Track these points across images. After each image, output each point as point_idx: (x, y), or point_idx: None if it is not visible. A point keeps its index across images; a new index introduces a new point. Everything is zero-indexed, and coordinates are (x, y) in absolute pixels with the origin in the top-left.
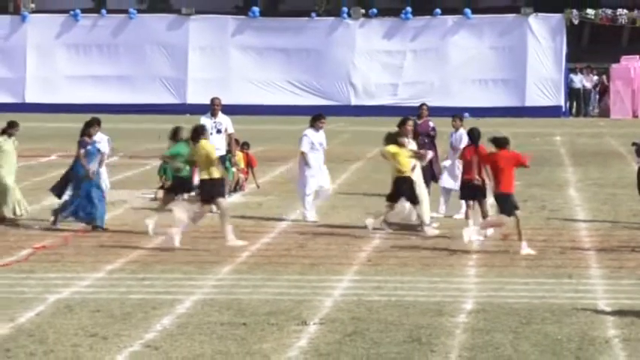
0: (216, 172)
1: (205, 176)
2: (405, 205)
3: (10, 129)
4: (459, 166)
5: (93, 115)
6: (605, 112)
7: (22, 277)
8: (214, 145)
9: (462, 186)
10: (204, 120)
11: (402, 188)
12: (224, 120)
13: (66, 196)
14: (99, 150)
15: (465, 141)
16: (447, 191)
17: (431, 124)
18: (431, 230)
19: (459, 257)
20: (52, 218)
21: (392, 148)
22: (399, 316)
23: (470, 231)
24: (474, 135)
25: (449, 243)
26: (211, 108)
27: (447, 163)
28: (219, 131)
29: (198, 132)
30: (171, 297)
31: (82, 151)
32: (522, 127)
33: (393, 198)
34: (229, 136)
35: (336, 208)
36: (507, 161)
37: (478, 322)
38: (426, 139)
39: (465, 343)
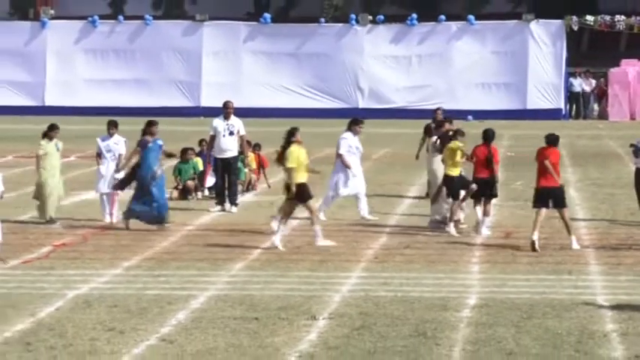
0: (304, 177)
1: (301, 180)
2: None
3: (50, 132)
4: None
5: (110, 117)
6: (603, 115)
7: (42, 274)
8: (229, 147)
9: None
10: (218, 122)
11: (459, 185)
12: (236, 122)
13: (119, 194)
14: (160, 146)
15: None
16: None
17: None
18: (453, 230)
19: (463, 254)
20: (123, 223)
21: (456, 145)
22: (404, 311)
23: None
24: (488, 135)
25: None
26: (224, 111)
27: None
28: (231, 133)
29: (290, 135)
30: (186, 293)
31: (139, 148)
32: (524, 130)
33: (457, 196)
34: (241, 137)
35: (344, 207)
36: (557, 158)
37: (481, 317)
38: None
39: (469, 337)
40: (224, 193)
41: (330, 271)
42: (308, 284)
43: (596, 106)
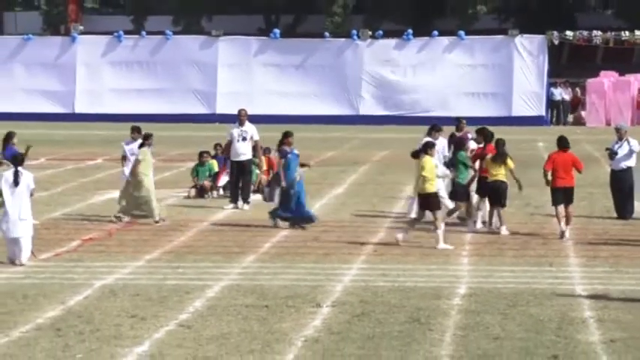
0: (433, 187)
1: (421, 192)
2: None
3: (147, 140)
4: None
5: (133, 123)
6: (577, 121)
7: (71, 266)
8: (243, 151)
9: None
10: (233, 129)
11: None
12: (250, 129)
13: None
14: (297, 156)
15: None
16: None
17: (470, 135)
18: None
19: (454, 248)
20: (271, 222)
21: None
22: (401, 300)
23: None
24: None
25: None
26: (238, 118)
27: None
28: (244, 139)
29: (426, 147)
30: (202, 283)
31: (283, 160)
32: (509, 135)
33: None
34: (255, 142)
35: (346, 204)
36: (571, 161)
37: (470, 305)
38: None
39: (459, 323)
40: (237, 192)
41: (333, 263)
42: (313, 275)
43: (570, 115)
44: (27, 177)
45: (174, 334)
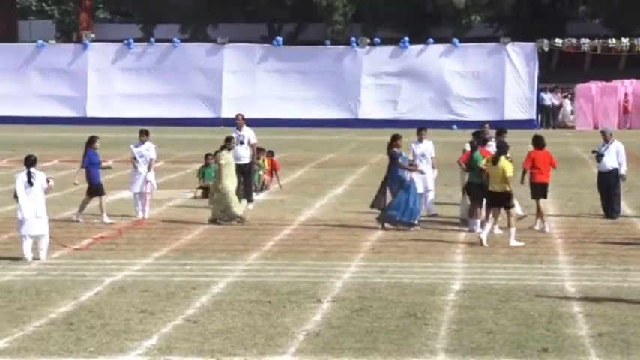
0: (508, 187)
1: (499, 189)
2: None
3: (228, 144)
4: None
5: (142, 127)
6: (562, 124)
7: (83, 263)
8: (242, 154)
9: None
10: (232, 134)
11: None
12: (247, 132)
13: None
14: (406, 159)
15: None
16: None
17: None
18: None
19: (449, 246)
20: (378, 223)
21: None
22: (398, 295)
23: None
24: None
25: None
26: (236, 123)
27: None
28: (242, 143)
29: (502, 149)
30: (208, 279)
31: (400, 160)
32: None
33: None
34: (251, 146)
35: (345, 204)
36: (548, 158)
37: (464, 300)
38: None
39: (453, 318)
40: (239, 194)
41: (333, 261)
42: (314, 272)
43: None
44: (40, 177)
45: (182, 328)
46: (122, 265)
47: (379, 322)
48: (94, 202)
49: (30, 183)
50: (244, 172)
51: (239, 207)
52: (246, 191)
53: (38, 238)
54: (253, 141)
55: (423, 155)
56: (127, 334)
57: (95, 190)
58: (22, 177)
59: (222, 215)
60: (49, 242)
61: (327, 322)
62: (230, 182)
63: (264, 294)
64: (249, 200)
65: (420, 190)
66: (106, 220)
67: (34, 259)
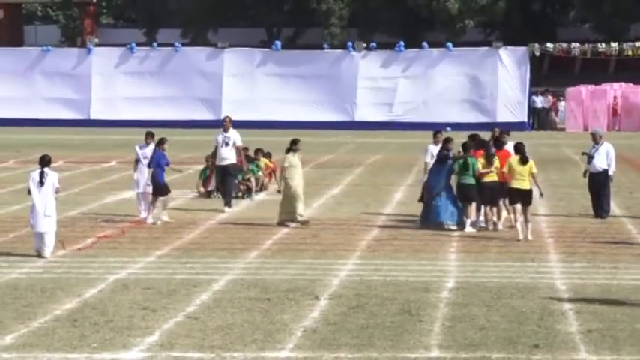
0: (527, 185)
1: (526, 187)
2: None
3: (294, 146)
4: None
5: (145, 129)
6: (552, 126)
7: (87, 261)
8: (226, 156)
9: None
10: (218, 135)
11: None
12: (233, 135)
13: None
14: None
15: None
16: None
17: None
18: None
19: (443, 245)
20: (420, 226)
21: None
22: (393, 293)
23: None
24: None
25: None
26: (223, 124)
27: None
28: (227, 144)
29: (520, 151)
30: (208, 277)
31: (449, 163)
32: None
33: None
34: (237, 148)
35: (342, 204)
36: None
37: (458, 298)
38: None
39: (447, 315)
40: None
41: (330, 259)
42: (312, 270)
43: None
44: (52, 177)
45: (183, 325)
46: (125, 263)
47: (375, 319)
48: (98, 202)
49: (41, 182)
50: (226, 173)
51: (302, 210)
52: (225, 192)
53: (44, 235)
54: (238, 143)
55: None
56: (129, 331)
57: (160, 190)
58: (35, 176)
59: (289, 217)
60: (54, 241)
61: (324, 319)
62: (296, 184)
63: (263, 291)
64: (227, 203)
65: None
66: (165, 218)
67: (39, 256)
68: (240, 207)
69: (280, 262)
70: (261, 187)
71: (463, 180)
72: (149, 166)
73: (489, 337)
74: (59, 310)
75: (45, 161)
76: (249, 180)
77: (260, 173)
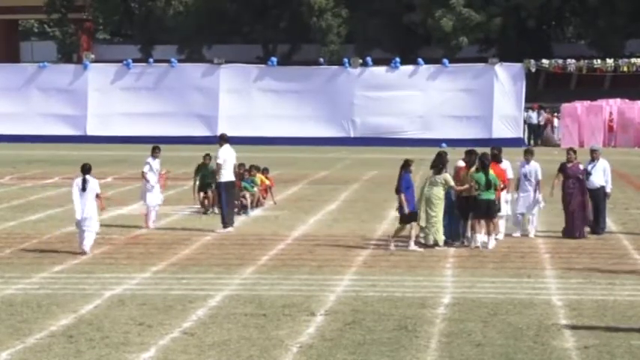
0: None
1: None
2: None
3: (440, 159)
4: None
5: (140, 145)
6: (547, 142)
7: (83, 277)
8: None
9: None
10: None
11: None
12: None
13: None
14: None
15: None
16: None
17: (581, 166)
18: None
19: (439, 261)
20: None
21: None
22: (389, 309)
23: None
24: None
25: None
26: (219, 142)
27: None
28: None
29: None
30: (204, 293)
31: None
32: None
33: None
34: (233, 165)
35: (338, 220)
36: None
37: (454, 314)
38: (576, 182)
39: (444, 331)
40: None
41: (326, 275)
42: (308, 285)
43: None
44: (93, 183)
45: (179, 341)
46: (121, 279)
47: (371, 335)
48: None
49: (84, 188)
50: (223, 189)
51: (440, 235)
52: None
53: (85, 233)
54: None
55: (525, 176)
56: (125, 347)
57: (409, 216)
58: (78, 182)
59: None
60: (94, 239)
61: (320, 335)
62: (440, 210)
63: (260, 307)
64: (223, 221)
65: (522, 210)
66: (413, 247)
67: (81, 253)
68: (236, 223)
69: (276, 278)
70: (257, 203)
71: (485, 195)
72: (397, 191)
73: (486, 353)
74: (55, 326)
75: (85, 169)
76: (244, 197)
77: (255, 189)
